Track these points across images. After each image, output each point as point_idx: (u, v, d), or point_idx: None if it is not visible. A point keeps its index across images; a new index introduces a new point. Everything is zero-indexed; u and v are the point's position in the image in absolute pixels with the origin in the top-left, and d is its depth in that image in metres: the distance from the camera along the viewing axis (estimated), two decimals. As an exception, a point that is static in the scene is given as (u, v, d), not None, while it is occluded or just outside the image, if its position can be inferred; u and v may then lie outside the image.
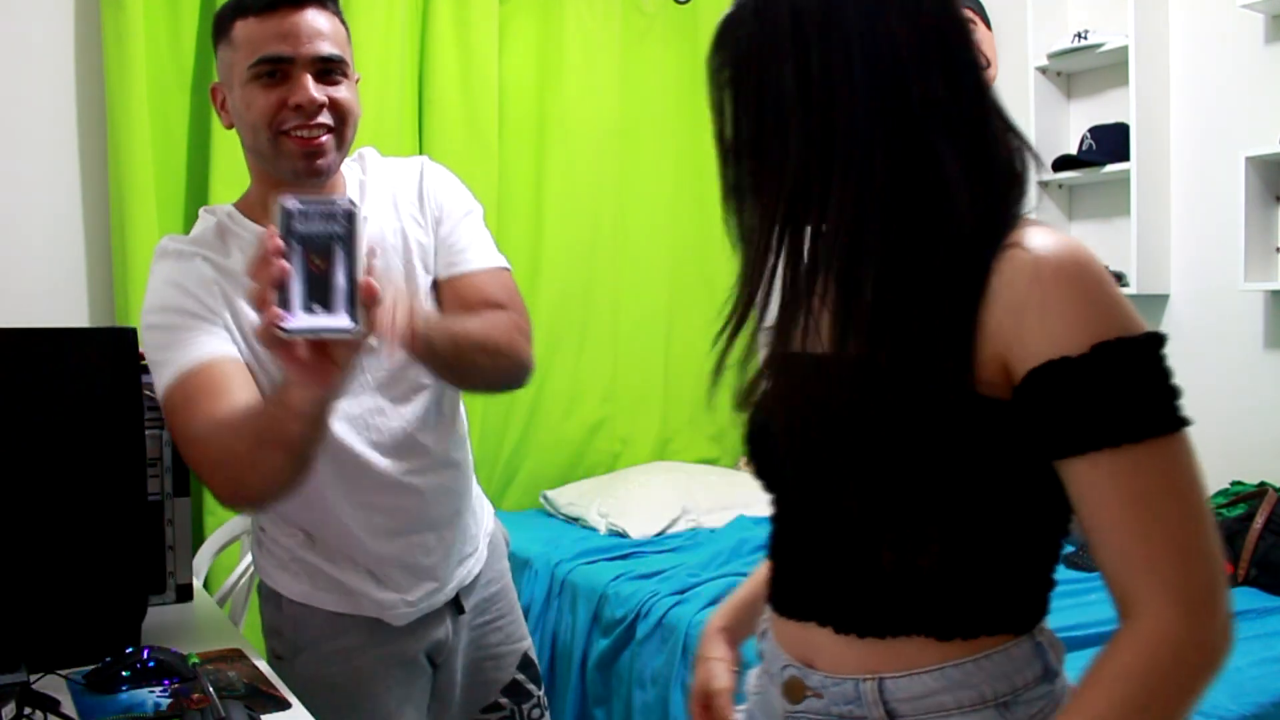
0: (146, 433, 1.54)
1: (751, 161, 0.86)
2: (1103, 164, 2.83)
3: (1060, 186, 3.04)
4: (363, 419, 1.39)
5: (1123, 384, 0.75)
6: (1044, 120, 3.00)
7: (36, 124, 2.55)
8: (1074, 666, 0.84)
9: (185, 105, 2.66)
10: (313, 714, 1.27)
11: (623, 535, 2.82)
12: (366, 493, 1.40)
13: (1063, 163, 2.91)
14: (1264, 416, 2.57)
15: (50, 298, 2.56)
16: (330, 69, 1.32)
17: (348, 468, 1.38)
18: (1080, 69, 3.01)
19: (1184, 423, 0.77)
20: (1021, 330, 0.77)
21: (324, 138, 1.32)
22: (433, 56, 2.98)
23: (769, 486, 0.95)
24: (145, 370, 1.58)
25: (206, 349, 1.28)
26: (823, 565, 0.88)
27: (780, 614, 0.93)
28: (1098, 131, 2.89)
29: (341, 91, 1.33)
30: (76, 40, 2.58)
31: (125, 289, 2.53)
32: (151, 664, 1.25)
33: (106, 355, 1.33)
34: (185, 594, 1.64)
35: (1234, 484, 2.51)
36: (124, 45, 2.50)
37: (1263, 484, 2.42)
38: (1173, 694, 0.76)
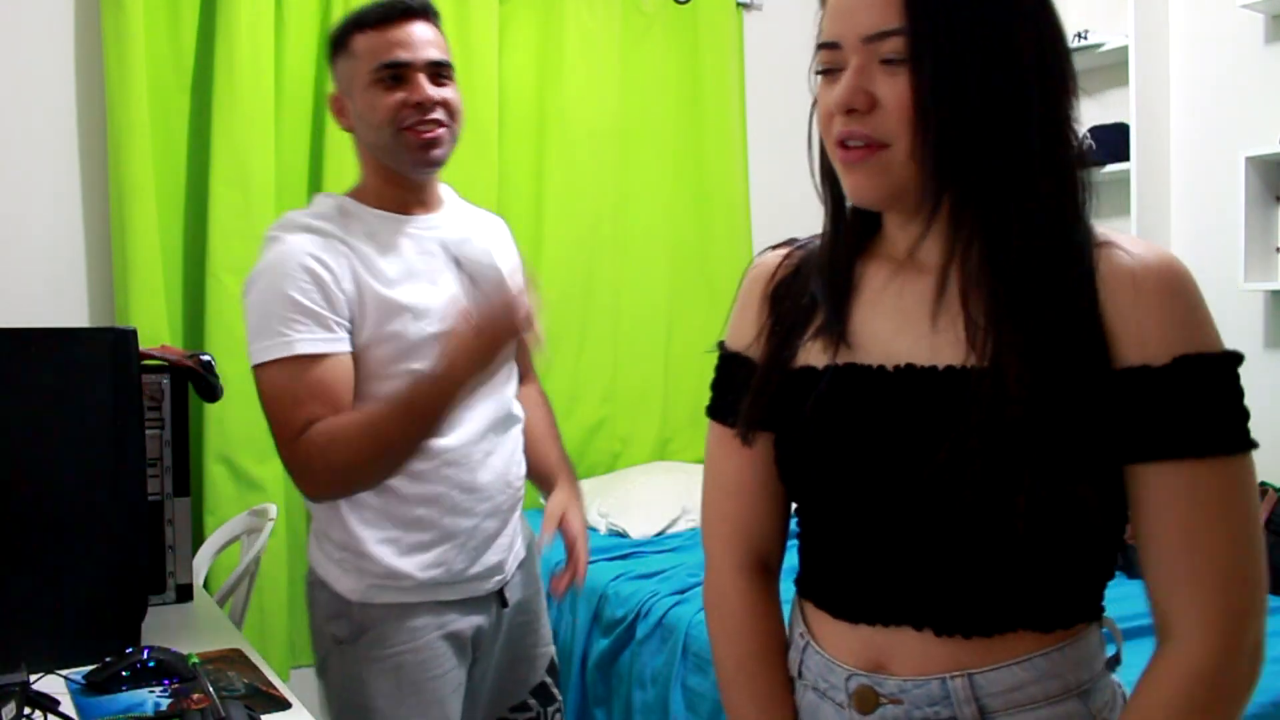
0: (146, 433, 1.54)
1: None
2: (1103, 164, 2.83)
3: (1060, 186, 3.04)
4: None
5: (1198, 400, 0.77)
6: (1044, 120, 2.99)
7: (36, 124, 2.55)
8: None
9: (185, 105, 2.66)
10: (375, 696, 1.43)
11: (623, 535, 2.82)
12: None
13: (1063, 163, 2.91)
14: (1264, 416, 2.55)
15: (50, 298, 2.56)
16: (440, 72, 1.50)
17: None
18: (1080, 69, 2.98)
19: (1250, 445, 0.79)
20: (1117, 331, 0.79)
21: (439, 130, 1.49)
22: (433, 56, 2.98)
23: (824, 498, 0.91)
24: (145, 370, 1.58)
25: (325, 343, 1.39)
26: (920, 569, 0.85)
27: (851, 620, 0.89)
28: (1098, 131, 2.88)
29: (450, 92, 1.51)
30: (76, 40, 2.58)
31: (125, 289, 2.53)
32: (151, 664, 1.25)
33: (106, 355, 1.33)
34: (185, 594, 1.64)
35: (1234, 484, 2.51)
36: (124, 45, 2.50)
37: (1263, 484, 2.42)
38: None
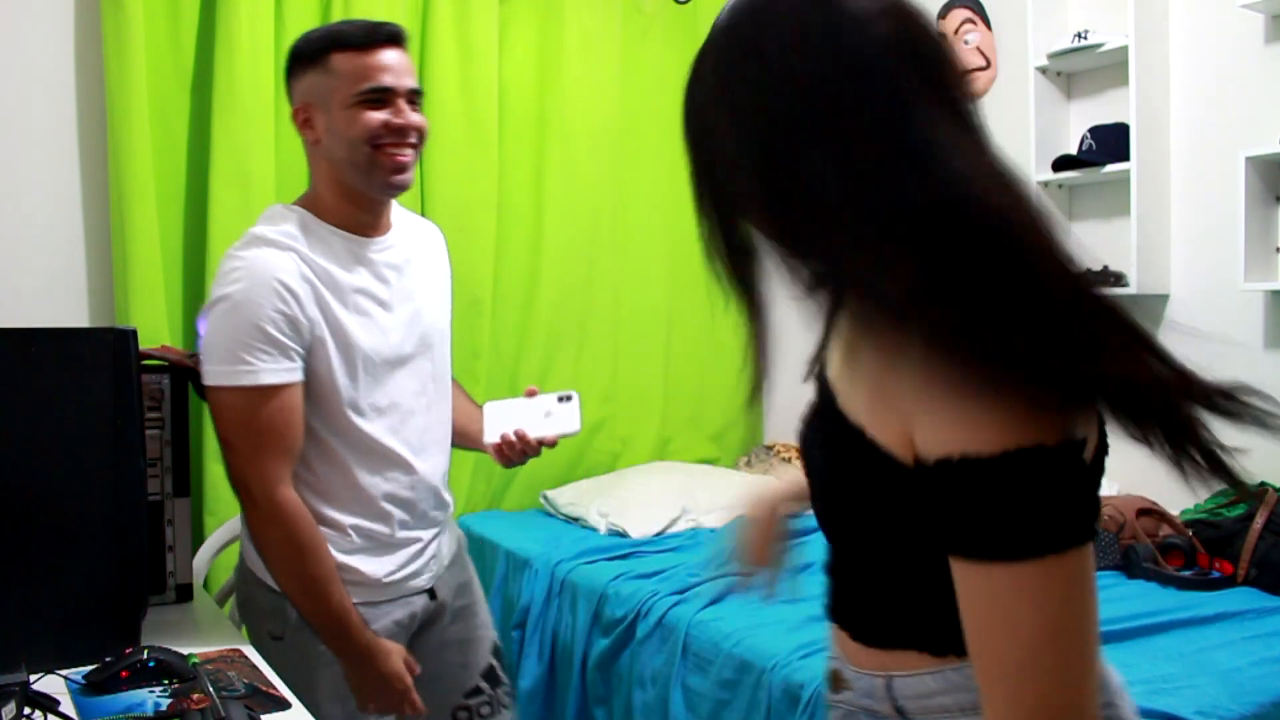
0: (146, 433, 1.54)
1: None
2: (1103, 164, 2.82)
3: (1060, 186, 3.04)
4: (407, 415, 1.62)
5: (969, 501, 0.71)
6: (1044, 120, 2.99)
7: (36, 124, 2.55)
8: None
9: (185, 105, 2.66)
10: (310, 689, 1.41)
11: (623, 535, 2.81)
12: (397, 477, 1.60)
13: (1063, 163, 2.91)
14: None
15: (50, 298, 2.56)
16: (415, 99, 1.56)
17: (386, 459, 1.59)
18: (1080, 69, 3.00)
19: (1037, 552, 0.70)
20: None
21: (409, 154, 1.54)
22: (433, 56, 2.98)
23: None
24: (145, 370, 1.57)
25: (286, 373, 1.45)
26: (835, 580, 0.94)
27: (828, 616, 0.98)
28: (1098, 131, 2.88)
29: (422, 118, 1.57)
30: (76, 40, 2.58)
31: (125, 289, 2.53)
32: (151, 664, 1.25)
33: (106, 355, 1.33)
34: (185, 594, 1.64)
35: (1234, 484, 2.50)
36: (124, 45, 2.50)
37: (1263, 484, 2.42)
38: None
